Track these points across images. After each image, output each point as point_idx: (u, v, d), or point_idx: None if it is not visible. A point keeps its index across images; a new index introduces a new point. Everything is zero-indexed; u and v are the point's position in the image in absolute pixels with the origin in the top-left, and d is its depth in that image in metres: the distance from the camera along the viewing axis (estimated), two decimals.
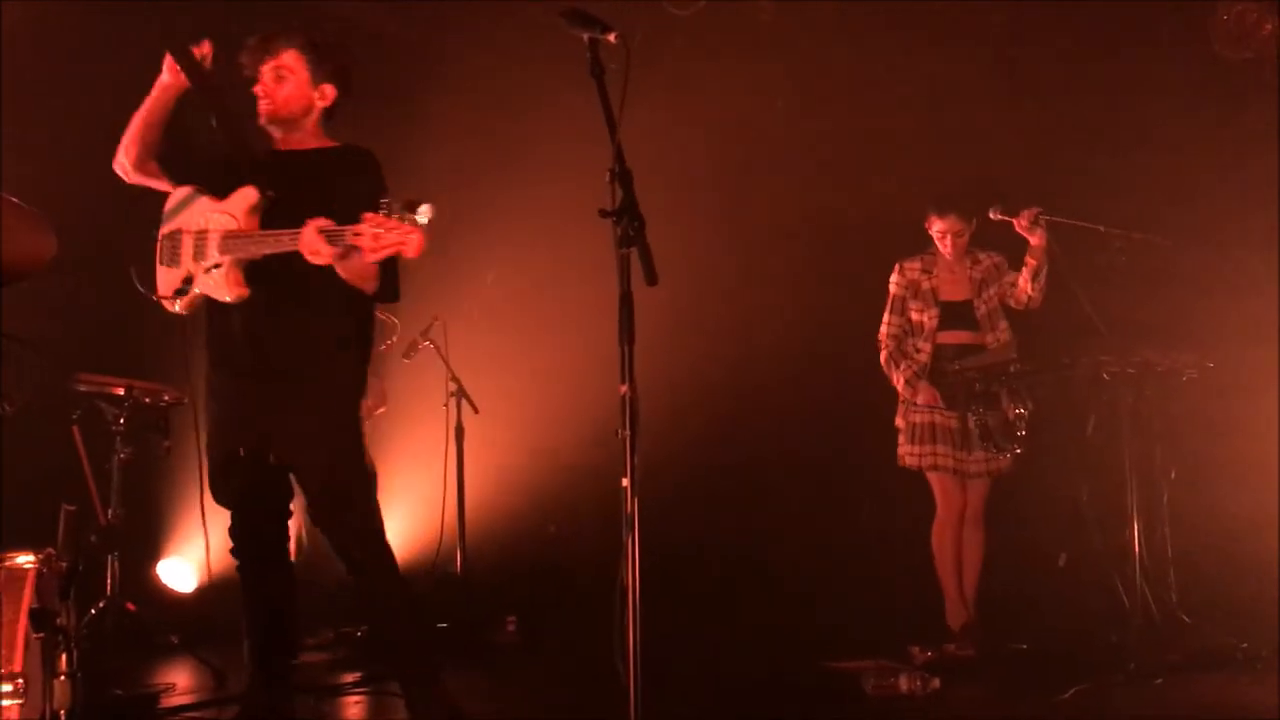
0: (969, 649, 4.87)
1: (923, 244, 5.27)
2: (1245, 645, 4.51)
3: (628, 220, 2.87)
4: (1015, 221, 4.97)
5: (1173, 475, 4.85)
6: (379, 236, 2.92)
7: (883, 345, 5.24)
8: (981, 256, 5.22)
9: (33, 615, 2.36)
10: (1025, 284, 5.06)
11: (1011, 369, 4.78)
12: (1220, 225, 5.46)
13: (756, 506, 6.68)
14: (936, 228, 5.17)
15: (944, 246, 5.17)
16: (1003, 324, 5.16)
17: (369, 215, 2.95)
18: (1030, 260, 5.02)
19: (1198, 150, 5.57)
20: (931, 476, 5.09)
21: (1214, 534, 5.21)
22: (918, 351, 5.15)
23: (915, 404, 5.07)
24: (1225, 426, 5.23)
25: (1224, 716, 3.89)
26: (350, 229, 3.01)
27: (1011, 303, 5.16)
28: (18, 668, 2.31)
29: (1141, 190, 5.57)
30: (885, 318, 5.27)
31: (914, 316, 5.18)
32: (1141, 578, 4.54)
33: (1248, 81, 5.57)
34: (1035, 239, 4.97)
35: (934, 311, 5.15)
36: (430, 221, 2.94)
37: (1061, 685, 4.03)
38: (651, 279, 2.85)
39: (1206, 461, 5.15)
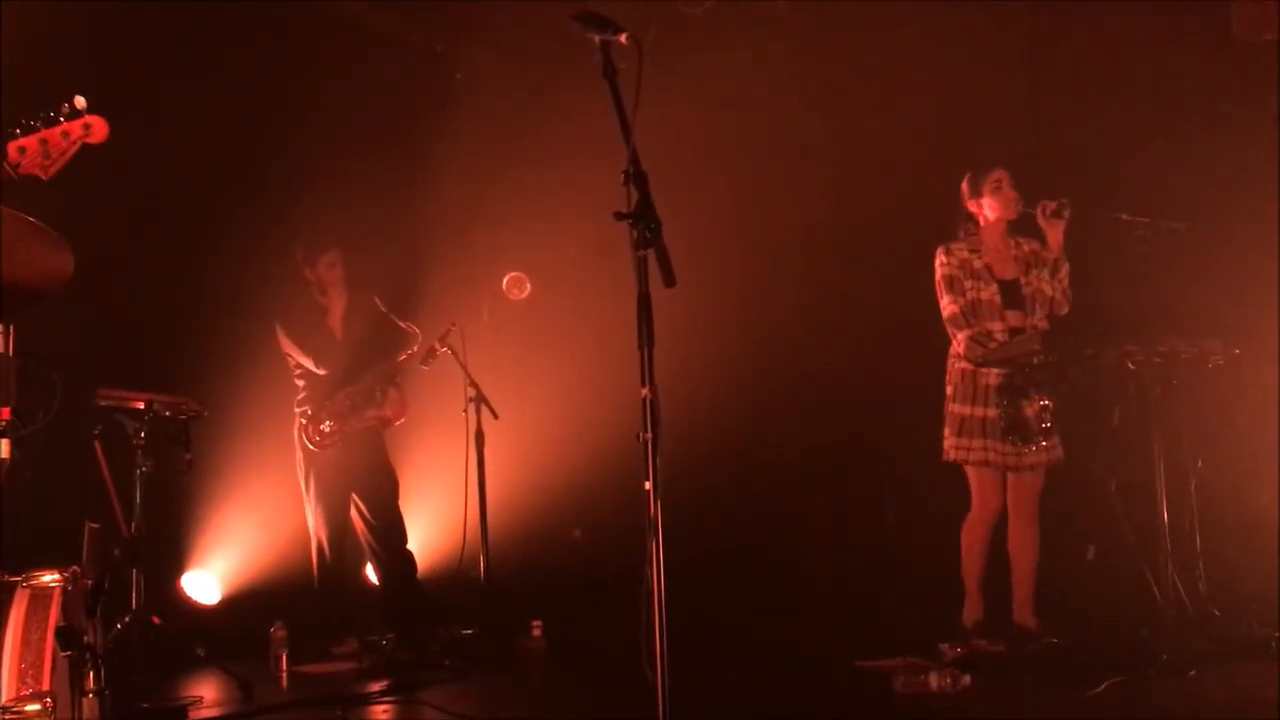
0: (1000, 645, 4.83)
1: (945, 237, 5.10)
2: (1279, 636, 4.45)
3: (644, 223, 2.85)
4: (1038, 211, 4.86)
5: (1200, 465, 4.79)
6: (65, 131, 2.78)
7: (958, 327, 4.89)
8: (1020, 240, 5.06)
9: (59, 633, 2.36)
10: (1045, 285, 4.94)
11: (1035, 360, 4.70)
12: (1247, 212, 5.39)
13: (781, 505, 6.65)
14: (994, 193, 4.92)
15: (1003, 206, 4.91)
16: (1040, 311, 4.97)
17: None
18: (1049, 257, 4.92)
19: (1224, 139, 5.50)
20: (973, 472, 4.92)
21: (1242, 523, 5.15)
22: (988, 336, 4.89)
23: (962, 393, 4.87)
24: (1254, 414, 5.17)
25: (1259, 709, 3.83)
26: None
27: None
28: (45, 686, 2.30)
29: (1164, 179, 5.50)
30: (945, 299, 4.94)
31: (969, 295, 4.93)
32: (1172, 569, 4.49)
33: (1270, 67, 5.50)
34: (1054, 234, 4.87)
35: (994, 288, 4.92)
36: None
37: (1094, 679, 3.99)
38: (669, 281, 2.83)
39: (1234, 450, 5.09)
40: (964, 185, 5.06)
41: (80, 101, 2.83)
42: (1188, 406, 4.69)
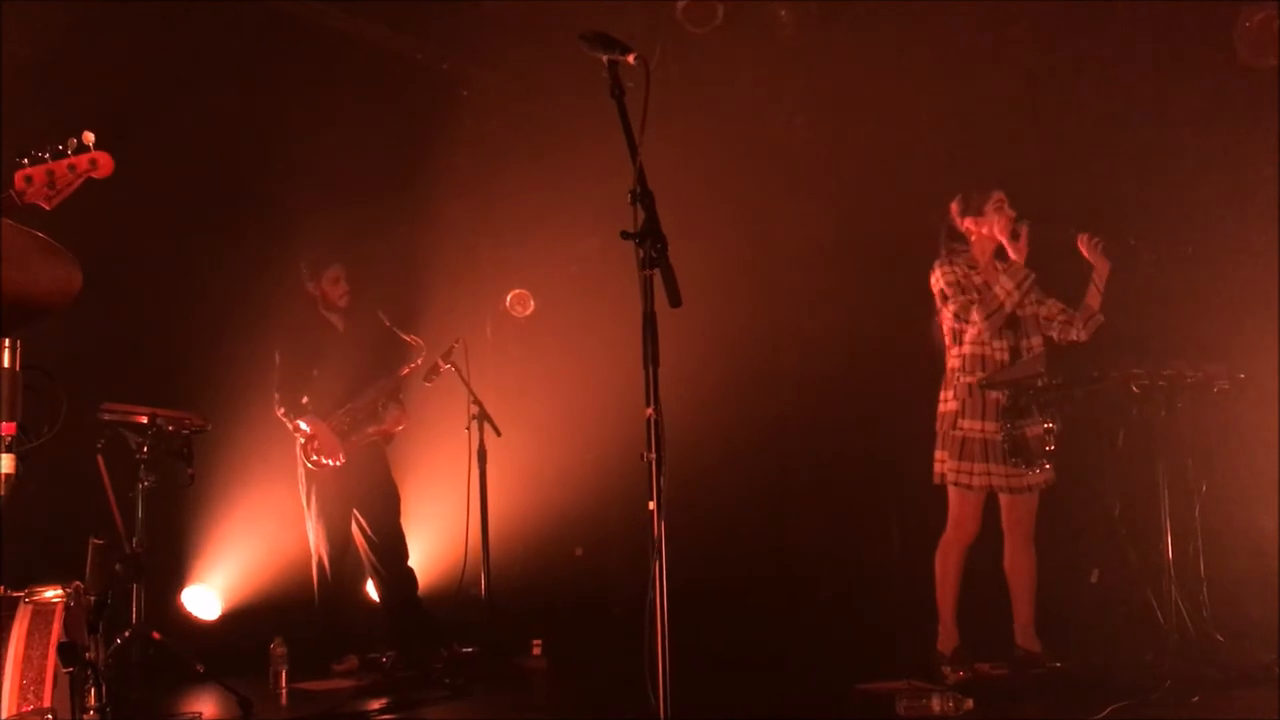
0: (1003, 668, 4.80)
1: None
2: None
3: (650, 242, 2.86)
4: (1082, 243, 4.76)
5: (1204, 488, 4.78)
6: (72, 165, 2.77)
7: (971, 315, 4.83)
8: (1002, 264, 5.00)
9: (61, 650, 2.35)
10: (1036, 310, 4.91)
11: (1040, 383, 4.68)
12: (1251, 236, 5.39)
13: (785, 526, 6.64)
14: (997, 212, 4.86)
15: (1000, 226, 4.84)
16: (1038, 338, 4.91)
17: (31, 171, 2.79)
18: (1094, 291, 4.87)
19: (1227, 163, 5.51)
20: (957, 494, 4.83)
21: (1246, 547, 5.13)
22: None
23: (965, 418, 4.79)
24: (1258, 438, 5.15)
25: None
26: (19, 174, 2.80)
27: (1057, 335, 4.93)
28: (46, 703, 2.30)
29: (1167, 203, 5.51)
30: (957, 301, 4.83)
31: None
32: (1176, 593, 4.47)
33: (1273, 92, 5.51)
34: (1101, 267, 4.77)
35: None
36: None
37: (1097, 704, 3.96)
38: (675, 301, 2.84)
39: (1238, 474, 5.07)
40: (954, 205, 4.98)
41: (89, 137, 2.86)
42: (1192, 430, 4.67)
